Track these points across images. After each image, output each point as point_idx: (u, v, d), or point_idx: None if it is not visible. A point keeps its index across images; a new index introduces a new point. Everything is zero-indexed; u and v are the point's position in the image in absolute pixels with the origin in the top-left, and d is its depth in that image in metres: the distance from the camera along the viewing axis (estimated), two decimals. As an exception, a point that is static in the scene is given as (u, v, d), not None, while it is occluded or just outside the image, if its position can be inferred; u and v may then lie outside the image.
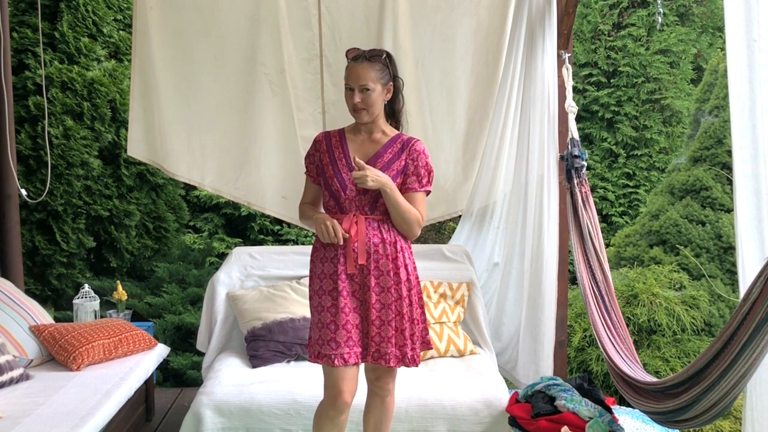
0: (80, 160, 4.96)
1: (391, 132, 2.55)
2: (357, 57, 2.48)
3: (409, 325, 2.46)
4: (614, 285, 3.11)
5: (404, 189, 2.49)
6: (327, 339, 2.42)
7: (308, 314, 2.79)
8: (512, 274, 3.78)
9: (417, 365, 2.49)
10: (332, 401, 2.45)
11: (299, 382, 3.01)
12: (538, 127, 3.47)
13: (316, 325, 2.46)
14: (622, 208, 6.32)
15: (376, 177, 2.39)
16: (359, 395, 2.64)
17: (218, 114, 3.98)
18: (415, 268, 2.53)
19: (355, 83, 2.43)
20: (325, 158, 2.53)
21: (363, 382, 2.66)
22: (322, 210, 2.61)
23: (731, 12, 2.19)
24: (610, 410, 2.75)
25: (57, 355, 3.19)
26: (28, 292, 4.32)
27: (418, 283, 2.54)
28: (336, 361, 2.39)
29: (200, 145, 4.01)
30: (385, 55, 2.51)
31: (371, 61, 2.46)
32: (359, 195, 2.46)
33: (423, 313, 2.54)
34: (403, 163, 2.49)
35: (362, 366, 2.60)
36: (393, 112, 2.59)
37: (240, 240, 5.78)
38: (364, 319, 2.46)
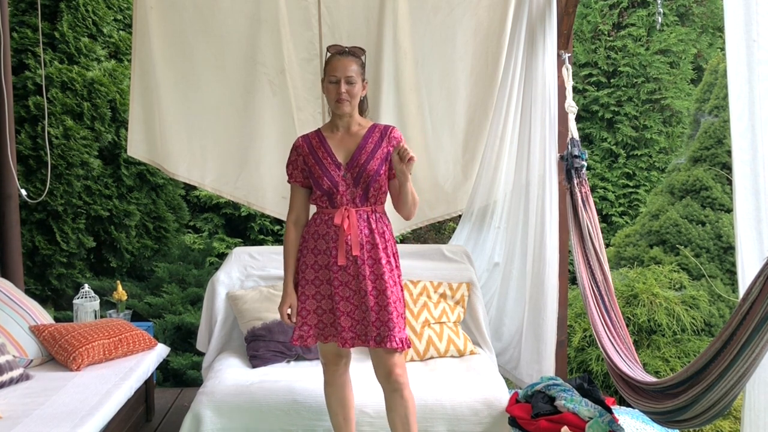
0: (80, 160, 4.97)
1: (366, 123, 2.66)
2: (342, 51, 2.60)
3: (403, 310, 2.60)
4: (614, 285, 3.11)
5: (392, 174, 2.61)
6: (330, 322, 2.61)
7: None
8: (513, 274, 3.77)
9: (410, 346, 2.63)
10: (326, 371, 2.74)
11: (299, 382, 3.01)
12: (538, 127, 3.47)
13: (315, 312, 2.62)
14: (622, 208, 6.33)
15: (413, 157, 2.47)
16: (374, 398, 2.69)
17: (218, 114, 3.99)
18: (397, 254, 2.65)
19: (342, 74, 2.53)
20: (310, 160, 2.62)
21: (374, 386, 2.69)
22: (312, 208, 2.70)
23: (731, 12, 2.19)
24: (610, 410, 2.75)
25: (57, 355, 3.19)
26: (28, 292, 4.32)
27: (399, 267, 2.66)
28: (341, 344, 2.57)
29: (200, 145, 4.01)
30: (364, 54, 2.65)
31: (354, 56, 2.60)
32: (350, 188, 2.57)
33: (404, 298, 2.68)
34: (385, 150, 2.60)
35: (372, 370, 2.67)
36: (360, 110, 2.69)
37: (240, 240, 5.78)
38: (360, 307, 2.56)
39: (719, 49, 6.51)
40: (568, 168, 3.25)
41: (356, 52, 2.61)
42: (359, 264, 2.54)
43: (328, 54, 2.62)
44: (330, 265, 2.56)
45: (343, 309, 2.56)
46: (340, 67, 2.54)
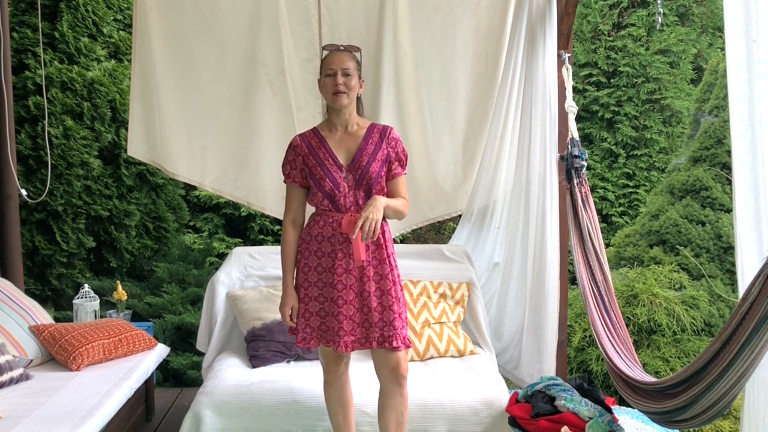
0: (80, 160, 4.97)
1: (364, 123, 2.65)
2: (337, 48, 2.62)
3: (404, 309, 2.60)
4: (614, 285, 3.11)
5: (390, 175, 2.62)
6: (332, 326, 2.56)
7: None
8: (513, 274, 3.77)
9: (410, 347, 2.62)
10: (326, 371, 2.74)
11: (299, 382, 3.01)
12: (538, 127, 3.47)
13: (317, 314, 2.59)
14: (622, 208, 6.33)
15: (375, 211, 2.47)
16: (374, 398, 2.69)
17: (218, 114, 3.99)
18: (394, 253, 2.65)
19: (338, 66, 2.54)
20: (310, 160, 2.59)
21: (374, 386, 2.68)
22: (315, 206, 2.65)
23: (731, 12, 2.19)
24: (610, 410, 2.75)
25: (57, 355, 3.19)
26: (28, 292, 4.32)
27: (397, 267, 2.65)
28: (339, 349, 2.54)
29: (200, 145, 4.01)
30: (359, 52, 2.66)
31: (350, 53, 2.61)
32: (353, 190, 2.55)
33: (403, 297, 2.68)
34: (385, 152, 2.59)
35: (372, 370, 2.67)
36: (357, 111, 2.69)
37: (240, 240, 5.78)
38: (363, 309, 2.55)
39: (719, 49, 6.51)
40: (568, 168, 3.25)
41: (351, 50, 2.63)
42: (364, 266, 2.54)
43: (325, 53, 2.63)
44: (334, 267, 2.54)
45: (345, 313, 2.53)
46: (335, 60, 2.55)
